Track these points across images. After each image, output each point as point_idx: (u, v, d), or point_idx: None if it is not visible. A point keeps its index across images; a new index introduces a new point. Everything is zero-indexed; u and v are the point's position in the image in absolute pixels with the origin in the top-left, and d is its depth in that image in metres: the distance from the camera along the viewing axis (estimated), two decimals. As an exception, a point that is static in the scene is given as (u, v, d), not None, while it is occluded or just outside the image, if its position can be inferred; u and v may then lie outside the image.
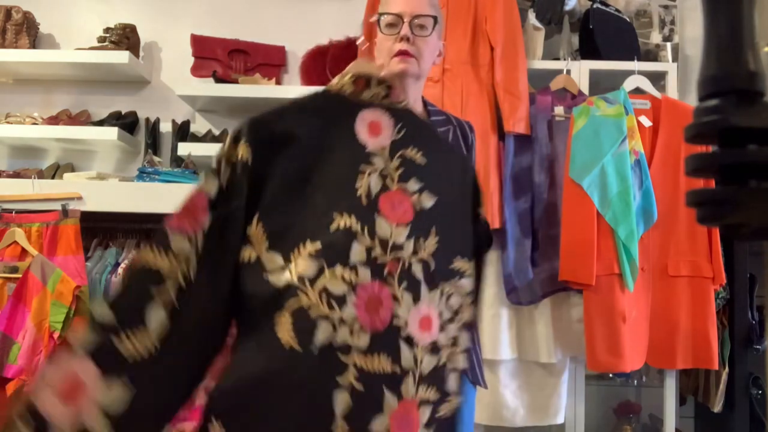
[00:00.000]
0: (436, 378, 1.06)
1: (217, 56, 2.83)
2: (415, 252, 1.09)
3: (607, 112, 2.24)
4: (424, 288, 1.07)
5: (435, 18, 1.55)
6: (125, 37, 2.79)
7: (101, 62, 2.73)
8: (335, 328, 0.99)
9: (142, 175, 2.49)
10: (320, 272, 1.01)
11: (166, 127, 2.87)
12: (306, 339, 0.99)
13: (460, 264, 1.14)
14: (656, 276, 2.26)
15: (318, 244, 1.03)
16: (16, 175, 2.64)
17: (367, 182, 1.10)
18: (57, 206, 2.38)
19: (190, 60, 2.82)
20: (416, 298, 1.06)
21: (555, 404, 2.37)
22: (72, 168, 2.87)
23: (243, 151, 1.06)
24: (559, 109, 2.43)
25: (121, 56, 2.70)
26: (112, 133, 2.69)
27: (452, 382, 1.09)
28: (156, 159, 2.60)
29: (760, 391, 2.43)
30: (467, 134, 1.70)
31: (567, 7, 2.67)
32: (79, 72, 2.85)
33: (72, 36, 2.96)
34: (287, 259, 1.03)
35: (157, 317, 0.97)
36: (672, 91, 2.54)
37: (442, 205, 1.15)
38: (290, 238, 1.04)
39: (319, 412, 0.97)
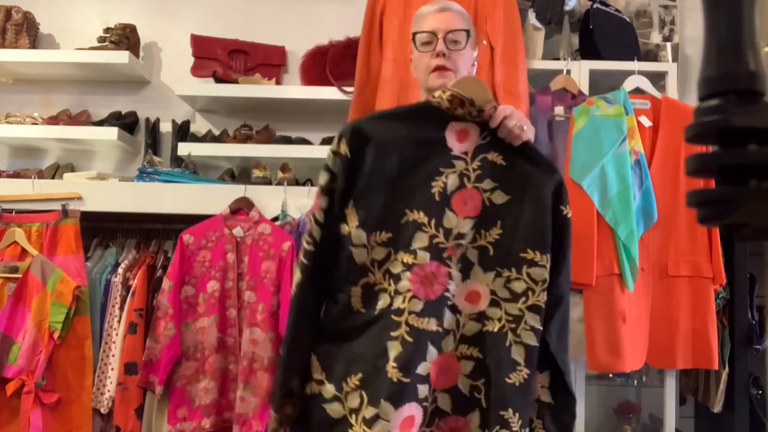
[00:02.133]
0: (480, 340, 1.36)
1: (217, 56, 2.83)
2: (474, 240, 1.37)
3: (607, 112, 2.24)
4: (477, 269, 1.37)
5: (467, 31, 1.63)
6: (125, 37, 2.79)
7: (101, 62, 2.73)
8: (391, 297, 1.35)
9: (142, 175, 2.49)
10: (387, 257, 1.36)
11: (166, 127, 2.88)
12: (370, 305, 1.36)
13: (533, 255, 1.37)
14: (656, 276, 2.26)
15: (390, 234, 1.36)
16: (16, 175, 2.64)
17: (444, 182, 1.37)
18: (57, 206, 2.38)
19: (190, 60, 2.82)
20: (466, 277, 1.37)
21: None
22: (72, 168, 2.87)
23: (344, 148, 1.37)
24: (559, 109, 2.43)
25: (121, 56, 2.70)
26: (112, 133, 2.69)
27: (516, 353, 1.34)
28: (156, 159, 2.60)
29: (760, 391, 2.43)
30: None
31: (567, 7, 2.67)
32: (79, 72, 2.85)
33: (72, 36, 2.96)
34: (368, 240, 1.36)
35: (311, 252, 1.42)
36: (672, 91, 2.54)
37: (514, 202, 1.38)
38: (372, 222, 1.36)
39: (378, 353, 1.32)
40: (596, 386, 2.72)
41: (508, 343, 1.35)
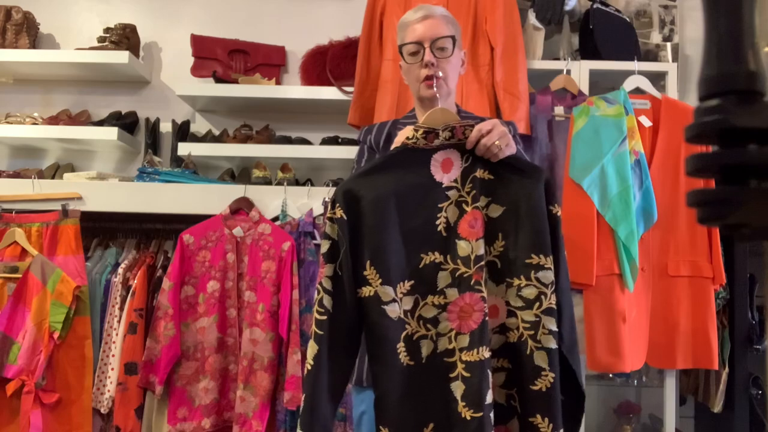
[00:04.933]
0: (507, 351, 1.40)
1: (217, 56, 2.83)
2: (485, 257, 1.40)
3: (607, 112, 2.24)
4: (490, 284, 1.40)
5: (453, 37, 1.62)
6: (125, 37, 2.79)
7: (101, 62, 2.73)
8: (434, 342, 1.38)
9: (142, 175, 2.49)
10: (416, 304, 1.38)
11: (166, 127, 2.88)
12: (416, 355, 1.37)
13: (538, 259, 1.38)
14: (656, 276, 2.26)
15: (412, 281, 1.39)
16: (16, 175, 2.64)
17: (445, 216, 1.40)
18: (57, 206, 2.38)
19: (190, 60, 2.82)
20: (488, 293, 1.39)
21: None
22: (72, 168, 2.87)
23: (339, 212, 1.38)
24: (559, 109, 2.43)
25: (121, 56, 2.70)
26: (112, 133, 2.69)
27: (538, 358, 1.36)
28: (156, 159, 2.60)
29: (760, 391, 2.43)
30: None
31: (567, 7, 2.67)
32: (79, 72, 2.85)
33: (72, 36, 2.96)
34: (395, 293, 1.38)
35: (324, 321, 1.39)
36: (672, 91, 2.54)
37: (510, 212, 1.40)
38: (395, 276, 1.38)
39: (445, 399, 1.35)
40: (596, 386, 2.72)
41: (529, 351, 1.37)
